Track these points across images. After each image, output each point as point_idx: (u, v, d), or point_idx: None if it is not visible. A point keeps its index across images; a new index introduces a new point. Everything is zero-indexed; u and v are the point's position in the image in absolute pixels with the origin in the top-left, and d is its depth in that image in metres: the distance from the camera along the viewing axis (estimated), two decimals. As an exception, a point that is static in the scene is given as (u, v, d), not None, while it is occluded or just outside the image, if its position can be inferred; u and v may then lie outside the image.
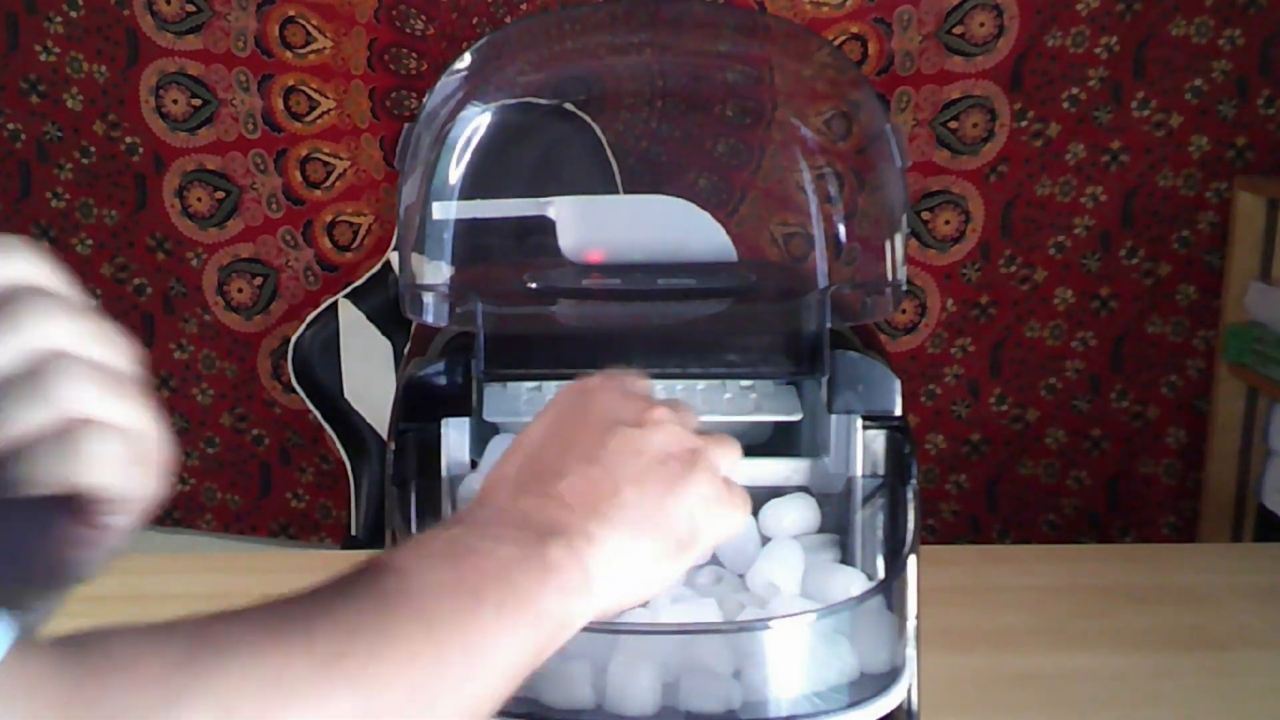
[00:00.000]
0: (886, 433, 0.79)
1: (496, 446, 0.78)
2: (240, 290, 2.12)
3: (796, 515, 0.81)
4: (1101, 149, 2.02)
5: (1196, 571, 1.23)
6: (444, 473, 0.78)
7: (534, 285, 0.88)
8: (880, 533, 0.78)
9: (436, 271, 0.87)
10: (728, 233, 0.91)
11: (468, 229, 0.88)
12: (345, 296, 2.02)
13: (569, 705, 0.65)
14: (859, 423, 0.80)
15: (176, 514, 2.21)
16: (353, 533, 1.98)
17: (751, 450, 0.93)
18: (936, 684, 0.74)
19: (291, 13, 2.01)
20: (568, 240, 0.90)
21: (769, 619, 0.69)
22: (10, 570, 0.45)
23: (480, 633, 0.47)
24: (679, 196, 0.93)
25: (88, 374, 0.41)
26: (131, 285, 2.13)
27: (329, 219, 2.10)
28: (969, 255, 2.07)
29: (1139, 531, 2.16)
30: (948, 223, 2.06)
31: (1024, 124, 2.01)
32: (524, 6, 2.01)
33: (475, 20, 2.01)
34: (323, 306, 2.04)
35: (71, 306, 0.42)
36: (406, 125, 0.84)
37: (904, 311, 2.11)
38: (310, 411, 2.03)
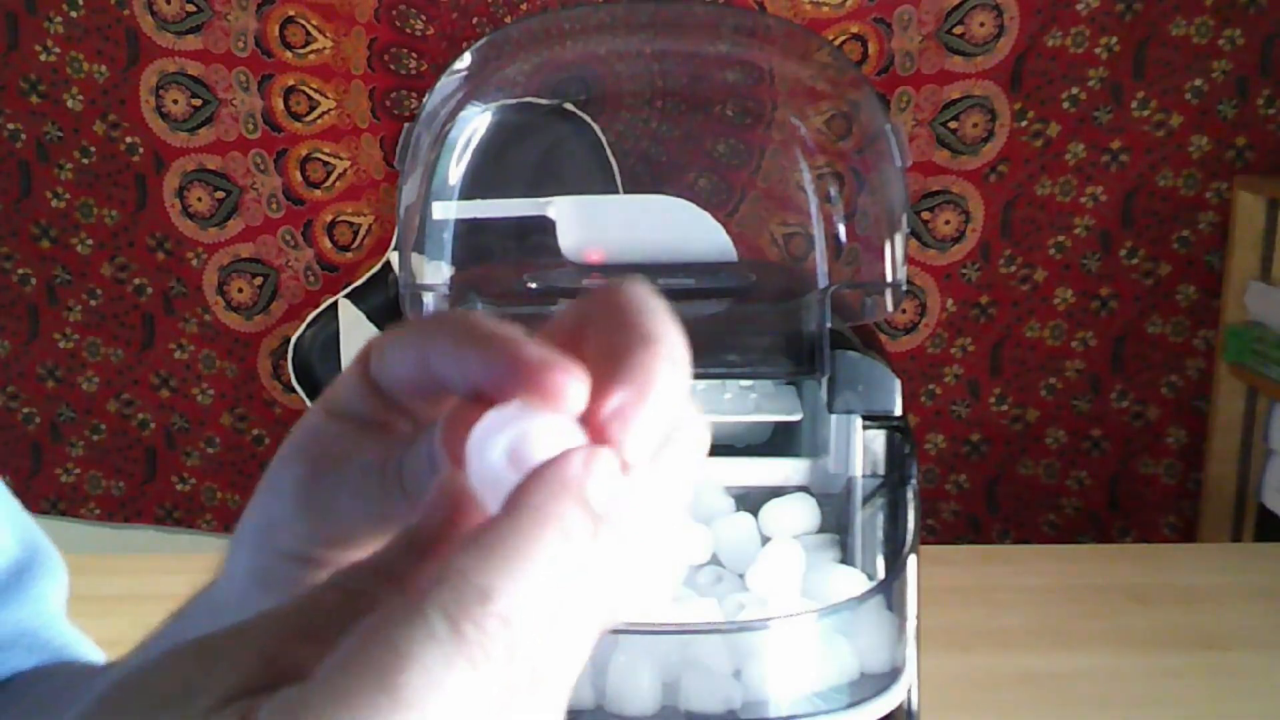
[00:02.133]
0: (886, 433, 0.79)
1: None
2: (240, 290, 2.12)
3: (796, 515, 0.81)
4: (1101, 149, 2.02)
5: (1196, 571, 1.23)
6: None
7: (534, 285, 0.88)
8: (880, 533, 0.78)
9: (436, 271, 0.87)
10: (728, 233, 0.91)
11: (468, 229, 0.88)
12: (345, 296, 2.02)
13: (569, 705, 0.65)
14: (859, 423, 0.80)
15: (176, 514, 2.22)
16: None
17: (751, 450, 0.93)
18: (936, 684, 0.74)
19: (291, 13, 2.01)
20: (568, 240, 0.90)
21: (769, 619, 0.69)
22: None
23: None
24: (679, 196, 0.93)
25: None
26: (131, 285, 2.13)
27: (329, 219, 2.10)
28: (969, 255, 2.07)
29: (1139, 531, 2.16)
30: (948, 223, 2.06)
31: (1024, 124, 2.01)
32: (524, 6, 2.01)
33: (475, 20, 2.01)
34: (323, 306, 2.05)
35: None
36: (406, 125, 0.84)
37: (904, 311, 2.11)
38: (310, 411, 2.03)
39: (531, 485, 0.25)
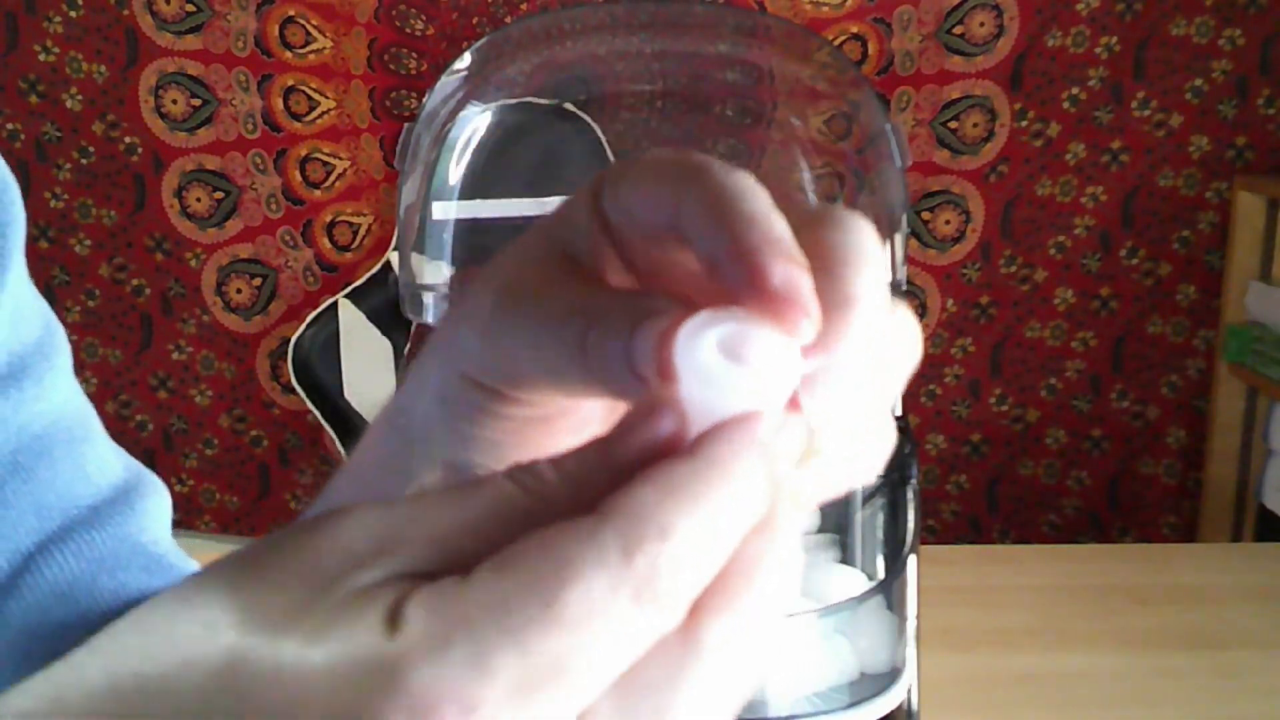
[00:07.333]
0: (886, 433, 0.79)
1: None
2: (239, 291, 2.12)
3: (796, 515, 0.81)
4: (1101, 149, 2.02)
5: (1196, 571, 1.23)
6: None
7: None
8: (880, 533, 0.78)
9: (436, 271, 0.87)
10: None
11: (468, 229, 0.88)
12: (345, 296, 2.02)
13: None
14: (859, 423, 0.79)
15: (175, 515, 2.21)
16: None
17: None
18: (936, 684, 0.74)
19: (291, 13, 2.01)
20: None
21: (769, 619, 0.69)
22: None
23: None
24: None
25: None
26: (130, 285, 2.13)
27: (329, 219, 2.10)
28: (969, 255, 2.07)
29: (1139, 531, 2.16)
30: (948, 223, 2.06)
31: (1024, 124, 2.01)
32: (524, 6, 2.01)
33: (475, 20, 2.01)
34: (323, 307, 2.04)
35: None
36: (406, 125, 0.84)
37: (904, 311, 2.10)
38: (309, 412, 2.03)
39: (721, 434, 0.24)
